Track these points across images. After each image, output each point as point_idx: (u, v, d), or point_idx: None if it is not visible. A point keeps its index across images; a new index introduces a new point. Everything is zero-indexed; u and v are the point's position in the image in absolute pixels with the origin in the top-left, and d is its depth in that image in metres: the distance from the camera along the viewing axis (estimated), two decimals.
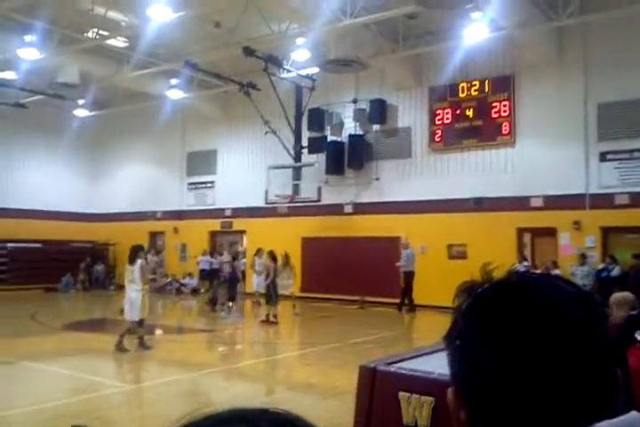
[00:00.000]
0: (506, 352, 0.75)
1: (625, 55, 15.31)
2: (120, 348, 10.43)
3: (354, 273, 18.83)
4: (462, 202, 17.52)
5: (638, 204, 14.91)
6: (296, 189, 19.83)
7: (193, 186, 24.60)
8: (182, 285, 23.23)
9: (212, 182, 24.01)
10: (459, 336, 0.82)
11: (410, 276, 17.34)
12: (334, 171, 19.81)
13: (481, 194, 17.32)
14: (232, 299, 16.44)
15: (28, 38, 16.82)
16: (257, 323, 15.05)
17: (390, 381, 2.71)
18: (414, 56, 18.14)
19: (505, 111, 17.19)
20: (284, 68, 18.89)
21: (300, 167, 20.05)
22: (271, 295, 14.88)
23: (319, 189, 19.20)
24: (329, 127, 20.24)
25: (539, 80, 16.72)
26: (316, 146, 20.14)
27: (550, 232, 16.44)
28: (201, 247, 22.69)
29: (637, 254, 14.77)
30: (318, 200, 19.17)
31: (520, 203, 16.61)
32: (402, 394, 2.61)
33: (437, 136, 18.44)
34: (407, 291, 17.41)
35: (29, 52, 17.10)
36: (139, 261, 10.78)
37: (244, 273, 18.93)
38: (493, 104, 17.38)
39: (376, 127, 19.72)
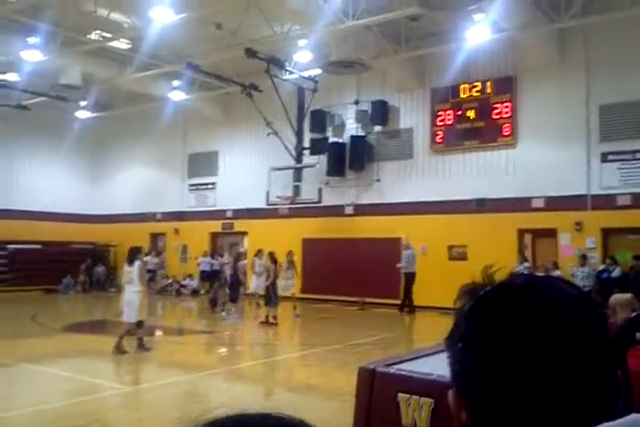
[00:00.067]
0: (507, 354, 0.75)
1: (627, 57, 15.31)
2: (119, 349, 10.41)
3: (354, 274, 18.81)
4: (463, 203, 17.51)
5: None
6: (297, 190, 19.84)
7: (194, 187, 24.61)
8: (183, 286, 23.22)
9: (213, 184, 24.01)
10: (461, 338, 0.82)
11: (410, 277, 17.32)
12: (335, 172, 19.81)
13: (482, 195, 17.31)
14: (234, 300, 16.41)
15: (30, 40, 16.87)
16: (257, 324, 15.03)
17: (389, 382, 2.70)
18: (416, 57, 18.14)
19: (507, 112, 17.18)
20: (286, 70, 18.90)
21: (301, 168, 20.05)
22: (271, 297, 14.87)
23: (320, 190, 19.21)
24: (330, 128, 20.24)
25: (540, 81, 16.71)
26: (317, 147, 20.14)
27: (551, 233, 16.43)
28: (202, 249, 22.68)
29: (638, 256, 14.76)
30: (319, 201, 19.18)
31: (521, 204, 16.60)
32: (401, 395, 2.60)
33: (439, 137, 18.44)
34: (407, 292, 17.39)
35: (32, 54, 17.14)
36: (137, 263, 10.73)
37: (245, 274, 18.91)
38: (495, 105, 17.38)
39: (378, 128, 19.71)
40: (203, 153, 24.24)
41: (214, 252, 22.45)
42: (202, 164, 24.34)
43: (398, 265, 17.52)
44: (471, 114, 17.76)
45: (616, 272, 14.75)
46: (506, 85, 17.27)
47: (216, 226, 23.47)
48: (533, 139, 16.75)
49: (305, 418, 0.79)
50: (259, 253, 16.39)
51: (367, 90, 19.72)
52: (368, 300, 18.45)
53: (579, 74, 16.09)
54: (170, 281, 23.61)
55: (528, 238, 17.28)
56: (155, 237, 25.50)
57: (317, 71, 18.69)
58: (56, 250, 24.47)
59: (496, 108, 17.34)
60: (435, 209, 17.92)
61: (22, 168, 24.85)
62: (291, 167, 20.05)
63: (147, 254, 21.76)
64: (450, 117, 18.21)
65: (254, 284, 16.18)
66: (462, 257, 17.54)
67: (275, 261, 15.46)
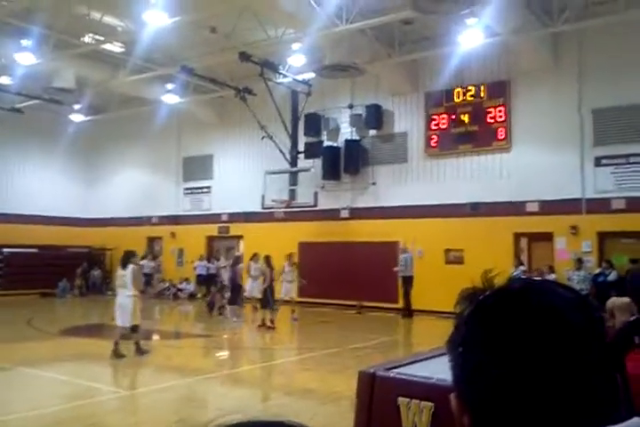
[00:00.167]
0: (507, 359, 0.76)
1: (620, 61, 15.39)
2: (116, 354, 10.39)
3: (351, 278, 18.83)
4: (458, 207, 17.54)
5: (634, 208, 14.94)
6: (292, 194, 19.83)
7: (189, 191, 24.59)
8: (179, 290, 23.17)
9: (208, 187, 24.00)
10: (461, 343, 0.83)
11: (408, 280, 17.33)
12: (330, 176, 19.83)
13: (477, 199, 17.35)
14: (234, 303, 16.37)
15: (24, 43, 16.83)
16: (254, 328, 15.01)
17: (389, 386, 2.71)
18: (410, 61, 18.20)
19: (500, 117, 17.24)
20: (280, 73, 18.92)
21: (296, 172, 20.05)
22: (268, 300, 14.86)
23: (315, 194, 19.21)
24: (325, 132, 20.27)
25: (534, 86, 16.79)
26: (312, 151, 20.16)
27: (547, 237, 16.47)
28: (198, 252, 22.65)
29: (635, 259, 14.82)
30: (315, 205, 19.18)
31: (516, 208, 16.65)
32: (401, 399, 2.61)
33: (433, 141, 18.49)
34: (405, 296, 17.41)
35: (25, 57, 17.10)
36: (130, 266, 10.67)
37: (242, 278, 18.87)
38: (489, 109, 17.44)
39: (372, 132, 19.75)
40: (197, 156, 24.23)
41: (210, 255, 22.43)
42: (197, 167, 24.33)
43: (395, 269, 17.53)
44: (465, 118, 17.81)
45: (612, 276, 14.79)
46: (500, 90, 17.33)
47: (212, 230, 23.44)
48: (527, 143, 16.81)
49: (304, 423, 0.80)
50: (254, 256, 16.37)
51: (361, 94, 19.76)
52: (365, 304, 18.46)
53: (572, 78, 16.17)
54: (166, 285, 23.56)
55: (524, 242, 17.33)
56: (151, 240, 25.45)
57: (311, 75, 18.74)
58: (52, 254, 24.39)
59: (490, 113, 17.40)
60: (430, 213, 17.95)
61: (16, 171, 24.79)
62: (286, 171, 20.05)
63: (143, 258, 21.72)
64: (444, 121, 18.26)
65: (249, 287, 16.15)
66: (459, 261, 17.58)
67: (270, 264, 15.46)
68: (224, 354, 12.80)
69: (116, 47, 18.59)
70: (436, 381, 2.53)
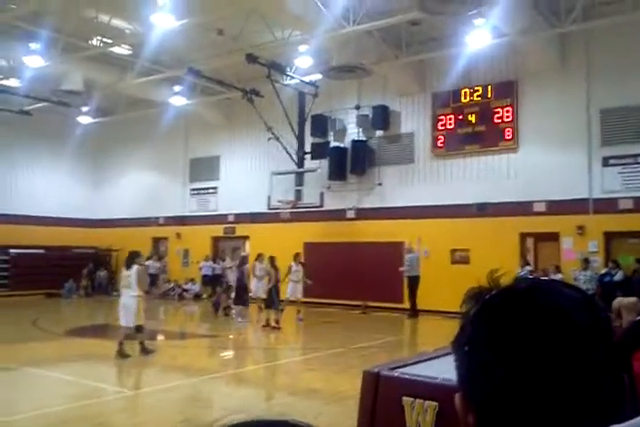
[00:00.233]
0: (513, 358, 0.76)
1: (628, 61, 15.34)
2: (121, 354, 10.41)
3: (356, 278, 18.82)
4: (465, 207, 17.52)
5: None
6: (299, 194, 19.86)
7: (195, 192, 24.65)
8: (185, 290, 23.22)
9: (214, 188, 24.05)
10: (467, 342, 0.82)
11: (414, 280, 17.30)
12: (337, 176, 19.84)
13: (484, 199, 17.32)
14: (244, 304, 16.38)
15: (32, 46, 16.95)
16: (259, 328, 15.02)
17: (394, 386, 2.71)
18: (417, 62, 18.18)
19: (508, 117, 17.21)
20: (287, 75, 18.96)
21: (302, 173, 20.07)
22: (273, 301, 14.87)
23: (322, 194, 19.22)
24: (332, 133, 20.29)
25: (541, 86, 16.75)
26: (318, 152, 20.18)
27: (553, 237, 16.43)
28: (203, 253, 22.70)
29: None
30: (321, 206, 19.19)
31: (523, 208, 16.61)
32: (405, 399, 2.61)
33: (440, 142, 18.46)
34: (411, 296, 17.39)
35: (34, 60, 17.22)
36: (135, 267, 10.69)
37: (248, 278, 18.90)
38: (496, 110, 17.40)
39: (379, 133, 19.75)
40: (204, 158, 24.29)
41: (216, 256, 22.47)
42: (203, 168, 24.40)
43: (401, 269, 17.52)
44: (472, 118, 17.79)
45: (618, 276, 14.75)
46: (507, 90, 17.30)
47: (218, 230, 23.49)
48: (535, 143, 16.77)
49: (309, 422, 0.80)
50: (259, 257, 16.38)
51: (368, 95, 19.76)
52: (370, 304, 18.45)
53: (579, 78, 16.12)
54: (172, 285, 23.61)
55: (530, 242, 17.28)
56: (157, 241, 25.53)
57: (318, 76, 18.75)
58: (58, 254, 24.50)
59: (497, 113, 17.36)
60: (436, 213, 17.93)
61: (24, 173, 24.90)
62: (292, 172, 20.08)
63: (148, 259, 21.77)
64: (451, 122, 18.24)
65: (254, 287, 16.15)
66: (465, 261, 17.56)
67: (274, 265, 15.48)
68: (229, 354, 12.82)
69: (123, 50, 18.66)
70: (440, 380, 2.53)
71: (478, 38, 15.36)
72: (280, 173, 20.04)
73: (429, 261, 18.02)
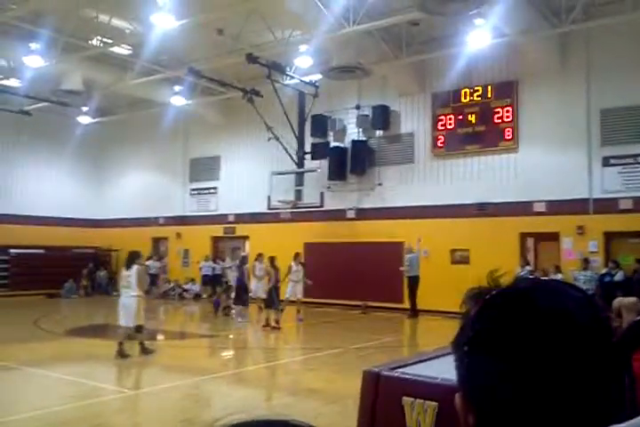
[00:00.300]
0: (513, 358, 0.75)
1: (628, 61, 15.33)
2: (121, 354, 10.40)
3: (356, 278, 18.83)
4: (465, 207, 17.52)
5: None
6: (299, 194, 19.86)
7: (196, 192, 24.66)
8: (185, 290, 23.23)
9: (214, 188, 24.06)
10: (467, 343, 0.82)
11: (414, 280, 17.30)
12: (337, 176, 19.84)
13: (484, 199, 17.32)
14: (243, 304, 16.39)
15: (32, 46, 16.94)
16: (259, 328, 15.02)
17: (394, 386, 2.70)
18: (417, 62, 18.18)
19: (508, 117, 17.21)
20: (287, 75, 18.96)
21: (302, 173, 20.07)
22: (273, 301, 14.87)
23: (322, 194, 19.22)
24: (332, 133, 20.29)
25: (541, 86, 16.75)
26: (318, 152, 20.18)
27: (553, 237, 16.43)
28: (203, 253, 22.70)
29: None
30: (321, 206, 19.19)
31: (523, 208, 16.61)
32: (405, 399, 2.61)
33: (440, 142, 18.47)
34: (410, 296, 17.39)
35: (34, 60, 17.22)
36: (135, 267, 10.70)
37: (248, 278, 18.93)
38: (496, 110, 17.40)
39: (379, 133, 19.75)
40: (204, 158, 24.31)
41: (216, 256, 22.47)
42: (203, 168, 24.41)
43: (401, 268, 17.52)
44: (472, 118, 17.79)
45: (618, 276, 14.76)
46: (507, 90, 17.30)
47: (218, 230, 23.50)
48: (535, 143, 16.77)
49: (309, 422, 0.80)
50: (259, 257, 16.39)
51: (368, 95, 19.76)
52: (370, 304, 18.45)
53: (580, 78, 16.12)
54: (172, 285, 23.62)
55: (530, 242, 17.28)
56: (157, 241, 25.54)
57: (318, 76, 18.75)
58: (58, 255, 24.50)
59: (497, 113, 17.37)
60: (436, 213, 17.93)
61: (24, 173, 24.91)
62: (292, 172, 20.08)
63: (148, 259, 21.80)
64: (451, 122, 18.24)
65: (254, 287, 16.17)
66: (465, 261, 17.56)
67: (274, 265, 15.47)
68: (228, 354, 12.82)
69: (123, 50, 18.66)
70: (440, 380, 2.52)
71: (478, 38, 15.36)
72: (280, 173, 20.04)
73: (429, 261, 18.03)
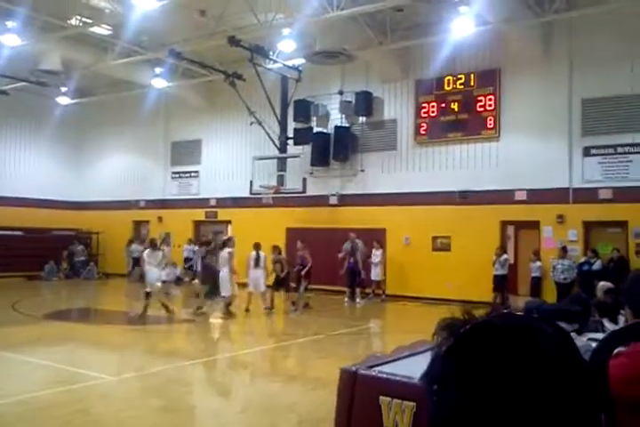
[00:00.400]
0: (484, 401, 0.74)
1: (610, 51, 15.37)
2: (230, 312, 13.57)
3: (338, 264, 18.84)
4: (447, 195, 17.59)
5: (621, 198, 15.05)
6: (281, 180, 19.79)
7: (177, 175, 24.48)
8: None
9: (196, 172, 23.90)
10: (437, 380, 0.80)
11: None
12: (319, 162, 19.78)
13: (465, 187, 17.39)
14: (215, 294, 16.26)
15: (9, 24, 16.58)
16: (243, 314, 14.99)
17: (371, 385, 2.72)
18: (401, 49, 18.07)
19: (490, 105, 17.23)
20: (270, 59, 18.76)
21: (285, 158, 19.99)
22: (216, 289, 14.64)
23: (304, 180, 19.17)
24: (315, 118, 20.18)
25: (524, 75, 16.76)
26: (301, 137, 20.08)
27: (534, 225, 16.57)
28: (185, 237, 22.61)
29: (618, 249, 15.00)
30: (303, 191, 19.15)
31: (504, 196, 16.72)
32: (382, 398, 2.62)
33: (423, 129, 18.46)
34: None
35: (10, 39, 16.87)
36: (227, 250, 13.80)
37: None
38: (479, 98, 17.41)
39: (362, 119, 19.69)
40: (185, 141, 24.10)
41: (198, 240, 22.37)
42: (185, 152, 24.22)
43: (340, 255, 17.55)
44: (455, 106, 17.78)
45: (597, 265, 14.95)
46: (490, 78, 17.30)
47: (200, 214, 23.40)
48: (516, 132, 16.83)
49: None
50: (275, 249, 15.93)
51: (351, 80, 19.65)
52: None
53: (562, 68, 16.15)
54: None
55: (511, 230, 17.42)
56: (138, 224, 25.38)
57: (301, 61, 18.60)
58: (37, 236, 24.23)
59: (480, 101, 17.38)
60: (418, 200, 17.99)
61: (2, 154, 24.53)
62: (274, 157, 19.99)
63: (131, 242, 21.68)
64: (434, 109, 18.22)
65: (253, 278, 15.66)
66: (446, 248, 17.69)
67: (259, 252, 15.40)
68: (208, 340, 12.82)
69: (103, 30, 18.31)
70: (417, 381, 2.53)
71: (462, 26, 15.30)
72: (262, 159, 19.94)
73: (410, 248, 18.14)
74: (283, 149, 20.17)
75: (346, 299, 17.55)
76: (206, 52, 19.31)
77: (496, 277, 15.93)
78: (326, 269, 18.52)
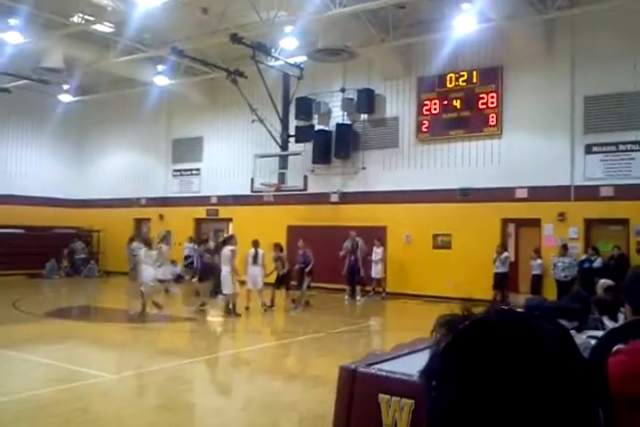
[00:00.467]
0: (482, 397, 0.74)
1: (613, 48, 15.33)
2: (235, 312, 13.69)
3: (339, 262, 18.83)
4: (448, 192, 17.57)
5: (622, 196, 15.03)
6: (282, 177, 19.77)
7: (178, 173, 24.48)
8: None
9: (197, 170, 23.90)
10: (435, 377, 0.80)
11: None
12: (321, 160, 19.77)
13: (467, 185, 17.38)
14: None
15: (11, 22, 16.58)
16: (243, 312, 14.99)
17: (370, 383, 2.71)
18: (403, 46, 18.04)
19: (492, 102, 17.20)
20: (272, 56, 18.75)
21: (286, 156, 19.97)
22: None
23: (305, 177, 19.15)
24: (316, 116, 20.16)
25: (526, 72, 16.73)
26: (303, 135, 20.06)
27: (535, 223, 16.55)
28: (186, 234, 22.61)
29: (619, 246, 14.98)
30: (304, 189, 19.13)
31: (505, 194, 16.70)
32: (382, 396, 2.62)
33: (425, 126, 18.44)
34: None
35: (13, 36, 16.87)
36: (229, 248, 13.73)
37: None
38: (481, 95, 17.38)
39: (364, 117, 19.67)
40: (187, 139, 24.10)
41: (198, 238, 22.37)
42: (186, 149, 24.21)
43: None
44: (457, 104, 17.76)
45: (597, 262, 14.93)
46: (492, 75, 17.27)
47: (201, 212, 23.40)
48: (518, 129, 16.80)
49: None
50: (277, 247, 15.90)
51: (353, 78, 19.62)
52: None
53: (564, 65, 16.12)
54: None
55: (512, 228, 17.41)
56: (139, 222, 25.40)
57: (303, 58, 18.57)
58: (39, 234, 24.24)
59: (482, 98, 17.35)
60: (419, 198, 17.98)
61: (4, 152, 24.54)
62: (276, 155, 19.98)
63: (132, 240, 21.67)
64: (436, 107, 18.20)
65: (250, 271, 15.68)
66: (447, 246, 17.68)
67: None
68: (209, 338, 12.82)
69: (105, 27, 18.30)
70: (416, 378, 2.52)
71: (464, 23, 15.27)
72: (264, 156, 19.93)
73: (411, 245, 18.14)
74: (284, 146, 20.16)
75: (346, 297, 17.57)
76: (208, 50, 19.30)
77: (497, 274, 15.92)
78: (327, 266, 18.51)
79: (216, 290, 14.85)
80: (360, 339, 12.31)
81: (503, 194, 16.71)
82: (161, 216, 24.34)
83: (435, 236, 18.03)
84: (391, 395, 2.63)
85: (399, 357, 3.13)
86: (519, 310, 0.96)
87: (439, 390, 0.78)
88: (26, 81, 21.34)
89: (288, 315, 15.42)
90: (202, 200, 23.32)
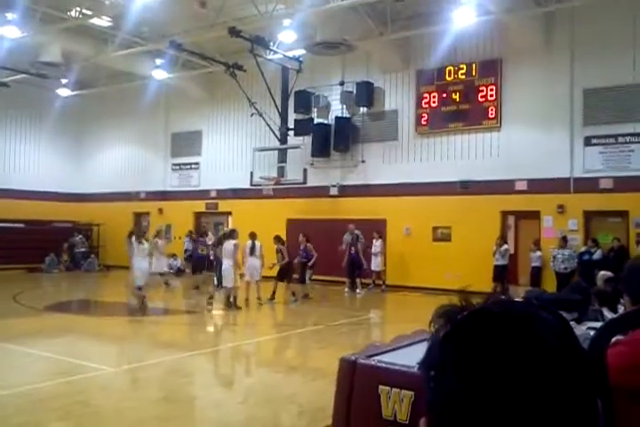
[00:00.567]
0: (481, 387, 0.73)
1: (612, 41, 15.29)
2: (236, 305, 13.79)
3: (338, 255, 18.84)
4: (448, 185, 17.57)
5: (622, 188, 15.04)
6: (281, 171, 19.77)
7: (177, 167, 24.46)
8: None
9: (196, 164, 23.88)
10: (434, 366, 0.79)
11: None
12: (320, 153, 19.75)
13: (466, 177, 17.38)
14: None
15: (9, 16, 16.51)
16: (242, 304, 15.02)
17: (370, 374, 2.72)
18: (402, 39, 17.99)
19: (491, 95, 17.18)
20: (271, 50, 18.69)
21: (285, 149, 19.96)
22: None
23: (305, 171, 19.13)
24: (315, 109, 20.13)
25: (525, 64, 16.70)
26: (302, 128, 20.03)
27: (534, 215, 16.57)
28: (186, 228, 22.62)
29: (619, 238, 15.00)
30: (304, 182, 19.12)
31: (505, 186, 16.70)
32: (382, 388, 2.62)
33: (424, 119, 18.41)
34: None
35: (10, 30, 16.81)
36: (232, 242, 13.70)
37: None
38: (480, 88, 17.36)
39: (363, 110, 19.64)
40: (186, 132, 24.07)
41: (197, 232, 22.38)
42: (185, 143, 24.18)
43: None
44: (456, 96, 17.73)
45: (597, 254, 14.96)
46: (491, 68, 17.24)
47: (200, 206, 23.40)
48: (518, 122, 16.79)
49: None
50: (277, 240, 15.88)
51: (352, 71, 19.58)
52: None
53: (564, 57, 16.09)
54: None
55: (511, 220, 17.43)
56: (138, 216, 25.40)
57: (302, 51, 18.52)
58: (38, 228, 24.25)
59: (481, 91, 17.32)
60: (419, 191, 17.98)
61: (2, 146, 24.51)
62: (275, 148, 19.96)
63: (130, 235, 21.59)
64: (435, 100, 18.17)
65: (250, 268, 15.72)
66: (447, 238, 17.70)
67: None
68: (209, 331, 12.85)
69: (103, 21, 18.26)
70: (416, 370, 2.52)
71: (463, 15, 15.23)
72: (263, 150, 19.91)
73: (411, 238, 18.16)
74: (283, 140, 20.14)
75: (346, 289, 17.61)
76: (207, 44, 19.23)
77: (496, 267, 15.94)
78: (326, 259, 18.50)
79: (218, 283, 14.88)
80: (360, 331, 12.33)
81: (503, 186, 16.71)
82: (160, 210, 24.35)
83: (434, 228, 18.05)
84: (391, 387, 2.64)
85: (399, 348, 3.13)
86: (517, 299, 0.95)
87: (438, 381, 0.78)
88: (24, 75, 21.28)
89: (288, 308, 15.45)
90: (201, 194, 23.31)
